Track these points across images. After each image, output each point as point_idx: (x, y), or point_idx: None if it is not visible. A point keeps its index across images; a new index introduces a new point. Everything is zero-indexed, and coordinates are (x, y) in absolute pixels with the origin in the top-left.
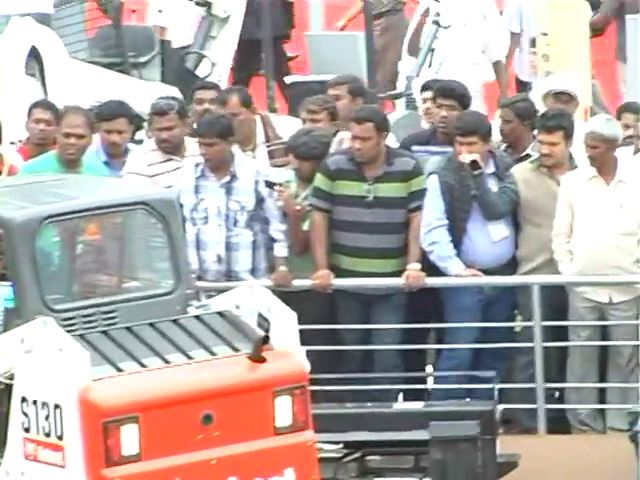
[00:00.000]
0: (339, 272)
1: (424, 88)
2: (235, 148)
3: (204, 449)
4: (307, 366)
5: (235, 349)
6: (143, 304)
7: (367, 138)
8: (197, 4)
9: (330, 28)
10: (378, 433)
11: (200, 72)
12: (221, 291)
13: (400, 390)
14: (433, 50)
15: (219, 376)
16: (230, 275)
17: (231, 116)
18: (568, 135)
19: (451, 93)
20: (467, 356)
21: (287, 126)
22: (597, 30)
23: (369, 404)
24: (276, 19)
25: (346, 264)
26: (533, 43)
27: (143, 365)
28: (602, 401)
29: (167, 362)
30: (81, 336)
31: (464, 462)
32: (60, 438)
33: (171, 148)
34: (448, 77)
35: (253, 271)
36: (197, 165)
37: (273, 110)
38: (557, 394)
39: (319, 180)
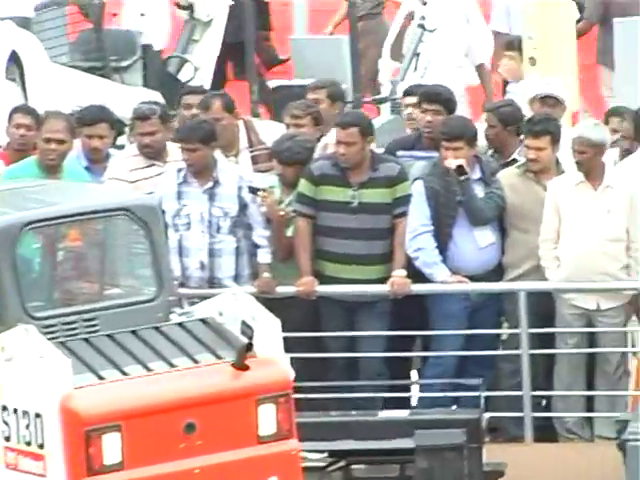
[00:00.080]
0: (323, 278)
1: (406, 93)
2: (218, 153)
3: (187, 458)
4: (291, 374)
5: (218, 357)
6: (125, 311)
7: (352, 143)
8: (179, 7)
9: (314, 32)
10: (363, 442)
11: (182, 76)
12: (204, 298)
13: (385, 398)
14: (418, 54)
15: (202, 384)
16: (213, 282)
17: (214, 121)
18: (555, 140)
19: (437, 98)
20: (453, 363)
21: (270, 131)
22: (579, 34)
23: (354, 412)
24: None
25: (330, 270)
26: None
27: (125, 373)
28: (590, 409)
29: (149, 370)
30: (62, 343)
31: (450, 471)
32: (41, 447)
33: (153, 153)
34: (432, 81)
35: (236, 278)
36: (179, 171)
37: (256, 115)
38: (544, 402)
39: (303, 186)
